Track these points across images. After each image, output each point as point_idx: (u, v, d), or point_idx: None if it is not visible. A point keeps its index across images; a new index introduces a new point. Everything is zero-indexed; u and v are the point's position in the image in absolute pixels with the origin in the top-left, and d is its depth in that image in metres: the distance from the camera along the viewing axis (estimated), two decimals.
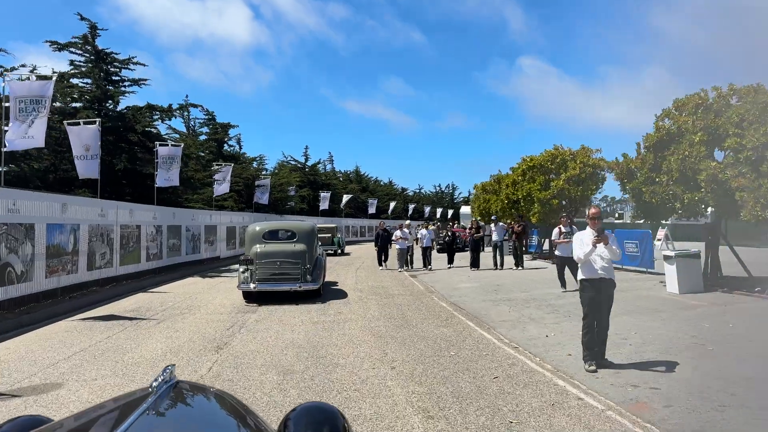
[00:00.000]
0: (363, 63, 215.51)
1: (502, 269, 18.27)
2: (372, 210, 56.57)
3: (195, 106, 33.35)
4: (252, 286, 11.67)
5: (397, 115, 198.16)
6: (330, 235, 28.70)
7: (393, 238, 19.30)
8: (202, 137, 32.60)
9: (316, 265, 12.68)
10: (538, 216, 19.00)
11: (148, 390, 1.70)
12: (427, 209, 73.30)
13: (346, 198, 49.78)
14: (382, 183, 70.28)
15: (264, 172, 32.69)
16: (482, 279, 16.16)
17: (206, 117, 33.08)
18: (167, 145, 19.38)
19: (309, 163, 49.71)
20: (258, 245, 12.25)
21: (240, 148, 36.46)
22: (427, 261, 19.26)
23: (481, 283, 15.25)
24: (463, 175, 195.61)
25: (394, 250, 20.01)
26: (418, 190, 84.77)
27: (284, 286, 11.85)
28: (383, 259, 20.23)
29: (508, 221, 20.86)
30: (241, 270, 12.03)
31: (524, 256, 19.08)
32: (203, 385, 2.27)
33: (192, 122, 34.10)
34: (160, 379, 1.72)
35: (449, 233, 20.26)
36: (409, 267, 19.44)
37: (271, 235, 12.68)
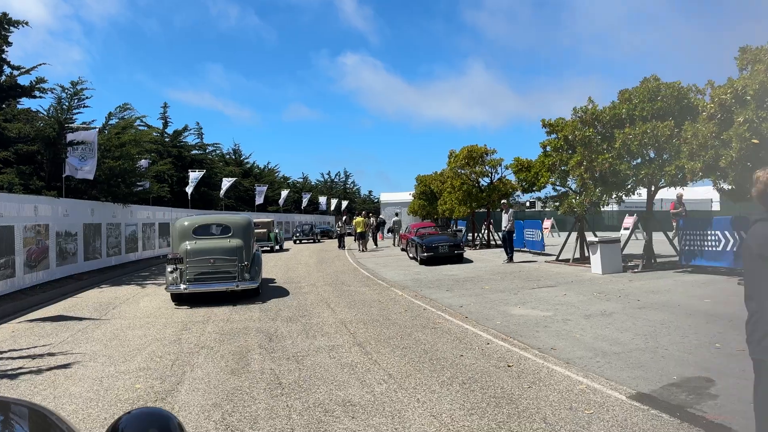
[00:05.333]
0: (185, 48, 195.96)
1: None
2: (260, 200, 42.04)
3: None
4: (182, 287, 10.67)
5: (232, 106, 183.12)
6: (266, 230, 26.84)
7: None
8: None
9: (254, 261, 11.65)
10: None
11: None
12: (323, 200, 59.71)
13: (226, 183, 34.75)
14: (265, 169, 55.19)
15: (85, 122, 17.18)
16: None
17: None
18: None
19: (169, 130, 33.96)
20: (188, 242, 11.22)
21: (47, 94, 20.00)
22: None
23: None
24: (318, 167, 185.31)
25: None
26: (302, 179, 70.48)
27: (219, 286, 10.92)
28: None
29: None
30: (169, 270, 10.95)
31: None
32: (13, 400, 1.77)
33: None
34: None
35: None
36: None
37: (203, 230, 11.76)
